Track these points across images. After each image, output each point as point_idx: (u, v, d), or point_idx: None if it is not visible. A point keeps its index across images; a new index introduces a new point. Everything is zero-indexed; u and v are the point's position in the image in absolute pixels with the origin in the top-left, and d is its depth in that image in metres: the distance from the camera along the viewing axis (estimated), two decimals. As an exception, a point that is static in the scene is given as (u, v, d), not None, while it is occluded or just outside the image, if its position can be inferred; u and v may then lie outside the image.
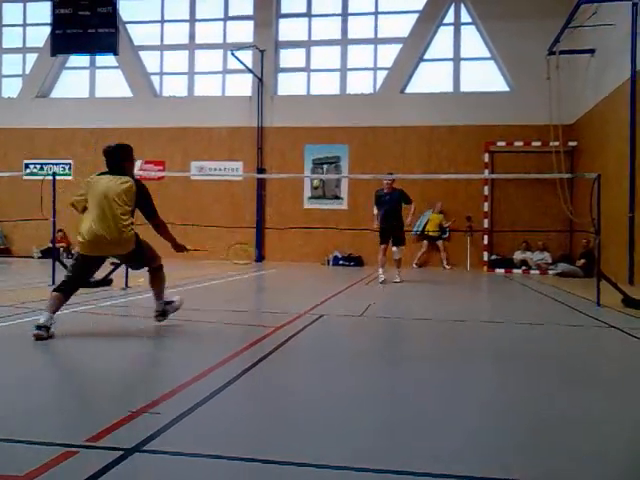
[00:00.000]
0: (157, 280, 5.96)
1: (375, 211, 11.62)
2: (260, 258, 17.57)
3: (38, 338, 4.85)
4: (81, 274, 5.42)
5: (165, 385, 3.52)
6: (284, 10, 18.43)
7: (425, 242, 16.56)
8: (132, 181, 5.45)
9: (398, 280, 11.19)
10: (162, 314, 5.82)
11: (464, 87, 17.29)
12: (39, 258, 16.64)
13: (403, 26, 17.51)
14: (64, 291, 5.28)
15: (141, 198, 5.56)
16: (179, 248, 6.14)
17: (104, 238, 5.21)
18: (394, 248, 11.30)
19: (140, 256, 5.71)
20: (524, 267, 15.38)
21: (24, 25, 19.89)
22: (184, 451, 2.55)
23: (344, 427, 2.99)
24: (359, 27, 18.06)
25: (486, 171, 15.60)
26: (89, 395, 3.42)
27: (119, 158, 5.56)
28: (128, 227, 5.38)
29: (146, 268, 5.97)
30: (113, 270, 9.32)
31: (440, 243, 16.62)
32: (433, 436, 2.86)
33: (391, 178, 11.56)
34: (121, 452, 2.48)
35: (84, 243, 5.24)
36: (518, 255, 15.83)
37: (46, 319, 4.98)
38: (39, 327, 4.90)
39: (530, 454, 2.65)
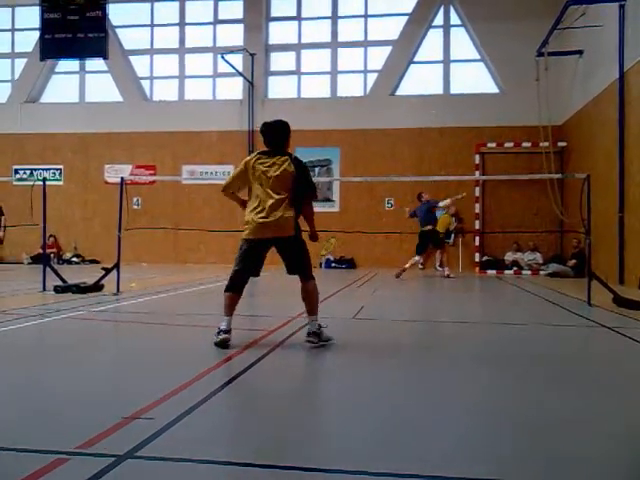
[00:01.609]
0: (310, 292, 5.18)
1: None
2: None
3: (223, 343, 4.83)
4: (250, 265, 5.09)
5: (158, 390, 3.51)
6: (274, 13, 18.45)
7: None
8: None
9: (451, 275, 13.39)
10: (316, 335, 5.01)
11: (454, 89, 17.36)
12: (29, 264, 16.55)
13: (393, 28, 17.57)
14: (234, 288, 5.07)
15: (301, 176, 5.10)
16: (316, 236, 5.37)
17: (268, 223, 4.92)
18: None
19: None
20: (515, 268, 15.45)
21: (12, 30, 19.81)
22: (177, 457, 2.53)
23: (336, 430, 2.99)
24: (349, 30, 18.11)
25: (477, 172, 15.67)
26: (81, 401, 3.40)
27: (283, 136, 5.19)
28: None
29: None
30: (104, 275, 9.29)
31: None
32: (423, 438, 2.86)
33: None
34: (113, 458, 2.47)
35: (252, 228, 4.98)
36: (509, 256, 15.90)
37: (227, 324, 4.93)
38: (224, 332, 4.87)
39: (521, 456, 2.65)
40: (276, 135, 5.15)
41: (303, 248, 5.12)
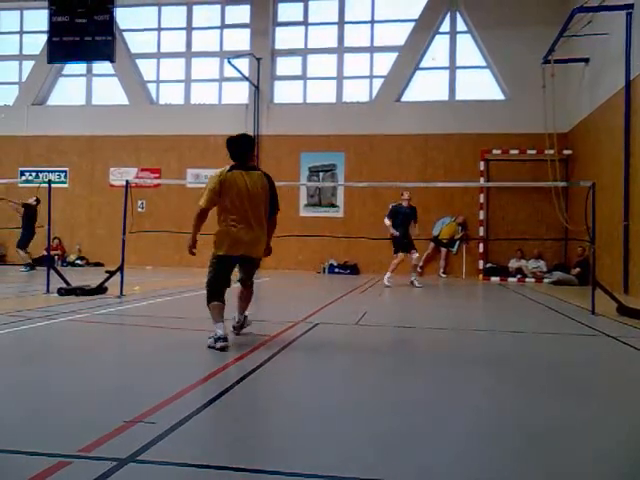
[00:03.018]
0: (250, 295, 5.88)
1: (388, 222, 12.51)
2: (256, 266, 17.55)
3: (223, 350, 4.91)
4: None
5: (160, 394, 3.50)
6: (281, 18, 18.50)
7: (432, 244, 16.54)
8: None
9: (418, 285, 12.45)
10: (242, 327, 5.85)
11: (459, 95, 17.37)
12: (24, 271, 16.54)
13: (399, 35, 17.60)
14: (217, 297, 5.29)
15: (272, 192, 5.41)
16: (270, 250, 5.73)
17: (244, 240, 5.15)
18: (415, 254, 12.54)
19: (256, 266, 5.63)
20: (519, 275, 15.41)
21: (21, 32, 19.93)
22: (179, 461, 2.53)
23: (338, 436, 2.98)
24: (355, 35, 18.15)
25: (482, 179, 15.66)
26: (83, 404, 3.40)
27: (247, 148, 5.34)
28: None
29: (238, 284, 5.80)
30: (108, 278, 9.30)
31: (444, 251, 16.63)
32: (425, 446, 2.86)
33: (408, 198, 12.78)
34: (115, 462, 2.47)
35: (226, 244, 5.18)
36: (513, 263, 15.86)
37: (223, 330, 5.03)
38: (223, 339, 4.95)
39: (523, 465, 2.64)
40: (243, 147, 5.25)
41: (258, 265, 5.64)
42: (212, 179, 5.15)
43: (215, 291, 5.29)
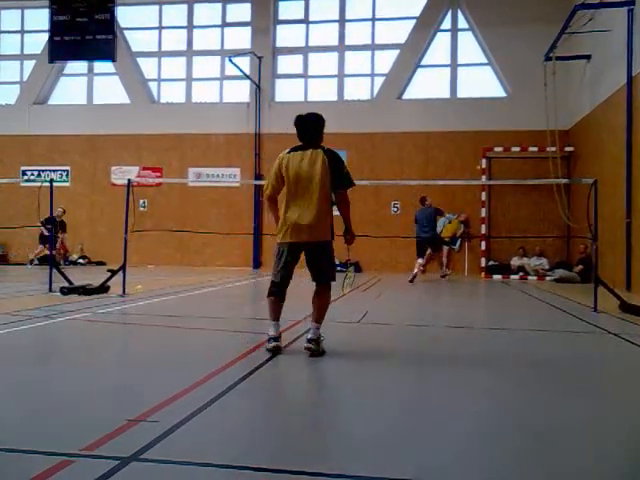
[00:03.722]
0: (323, 301, 5.00)
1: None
2: (257, 265, 17.57)
3: (275, 350, 4.73)
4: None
5: (163, 393, 3.51)
6: (281, 16, 18.49)
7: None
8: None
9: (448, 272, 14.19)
10: (317, 342, 4.78)
11: (461, 93, 17.34)
12: (36, 265, 16.60)
13: (400, 32, 17.58)
14: (276, 293, 4.95)
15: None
16: (352, 236, 5.21)
17: (302, 224, 4.74)
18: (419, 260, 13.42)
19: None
20: (521, 273, 15.39)
21: (22, 32, 19.93)
22: (182, 460, 2.54)
23: (340, 435, 2.98)
24: (356, 33, 18.13)
25: (483, 177, 15.64)
26: (86, 403, 3.41)
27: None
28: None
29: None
30: (110, 277, 9.31)
31: (446, 249, 16.62)
32: (428, 444, 2.86)
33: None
34: (118, 461, 2.47)
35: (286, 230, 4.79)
36: (515, 261, 15.84)
37: (275, 329, 4.82)
38: (274, 339, 4.76)
39: (524, 464, 2.64)
40: (309, 128, 4.88)
41: (332, 255, 5.00)
42: (274, 164, 4.92)
43: (274, 283, 4.96)
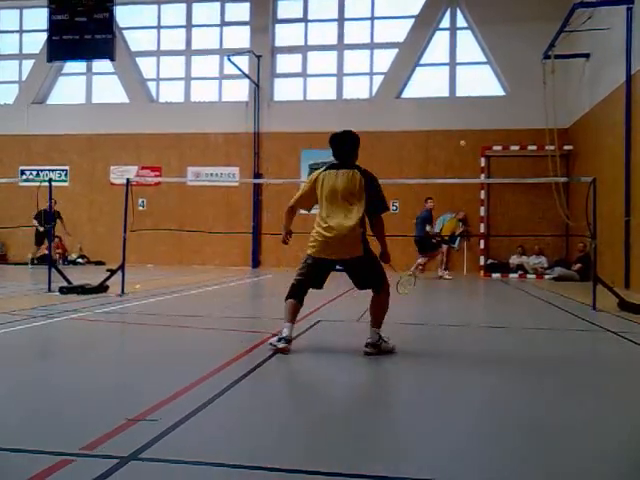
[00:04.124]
0: (380, 304, 4.95)
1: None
2: (256, 264, 17.57)
3: (282, 350, 4.72)
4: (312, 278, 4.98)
5: (162, 392, 3.51)
6: (280, 15, 18.47)
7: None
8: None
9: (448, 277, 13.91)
10: (374, 346, 4.83)
11: (460, 92, 17.34)
12: (35, 265, 16.58)
13: (399, 31, 17.58)
14: (295, 296, 4.97)
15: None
16: (387, 257, 5.02)
17: (334, 242, 4.74)
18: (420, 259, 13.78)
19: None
20: (520, 272, 15.40)
21: (20, 31, 19.91)
22: (182, 459, 2.54)
23: (339, 433, 2.99)
24: (355, 32, 18.12)
25: (482, 175, 15.64)
26: (85, 402, 3.41)
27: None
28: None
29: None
30: (109, 277, 9.31)
31: (445, 248, 16.62)
32: (427, 442, 2.86)
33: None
34: (117, 460, 2.47)
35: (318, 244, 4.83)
36: (514, 259, 15.85)
37: (289, 330, 4.81)
38: (286, 340, 4.75)
39: (526, 461, 2.65)
40: (344, 146, 4.90)
41: (374, 263, 4.88)
42: (307, 180, 5.03)
43: (295, 289, 4.99)
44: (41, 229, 14.50)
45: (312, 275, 4.98)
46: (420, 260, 13.52)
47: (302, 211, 5.24)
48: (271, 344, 4.83)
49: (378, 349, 4.82)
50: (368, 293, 5.03)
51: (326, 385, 4.03)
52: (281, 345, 4.77)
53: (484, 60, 17.22)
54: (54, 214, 13.82)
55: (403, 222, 16.58)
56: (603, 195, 10.03)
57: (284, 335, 4.80)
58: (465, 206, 16.52)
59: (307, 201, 5.04)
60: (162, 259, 17.82)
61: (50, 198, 9.55)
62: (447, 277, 13.44)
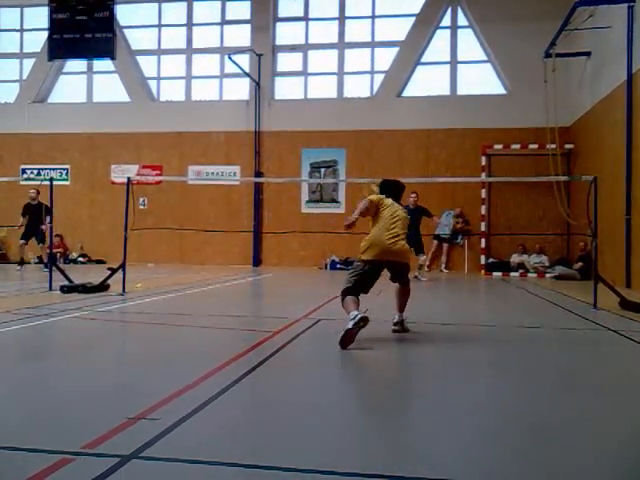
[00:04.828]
0: (405, 293, 6.11)
1: None
2: (257, 263, 17.57)
3: (364, 320, 5.08)
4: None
5: (163, 391, 3.51)
6: (281, 14, 18.46)
7: (435, 242, 16.51)
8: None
9: (422, 279, 12.85)
10: (401, 324, 6.04)
11: (461, 90, 17.32)
12: (36, 264, 16.61)
13: (400, 30, 17.55)
14: (352, 293, 5.54)
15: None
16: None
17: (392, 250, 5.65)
18: (421, 257, 12.89)
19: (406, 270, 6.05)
20: (521, 270, 15.40)
21: (21, 30, 19.90)
22: (183, 457, 2.54)
23: (339, 432, 2.99)
24: (356, 31, 18.09)
25: (483, 174, 15.63)
26: (86, 401, 3.41)
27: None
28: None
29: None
30: (110, 275, 9.31)
31: (446, 246, 16.62)
32: (428, 441, 2.86)
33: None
34: (118, 459, 2.47)
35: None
36: (515, 258, 15.84)
37: (358, 311, 5.19)
38: (360, 316, 5.09)
39: (527, 459, 2.65)
40: (399, 191, 6.21)
41: (409, 268, 6.05)
42: (374, 196, 5.96)
43: (349, 289, 5.55)
44: (18, 225, 14.33)
45: (367, 280, 5.72)
46: (424, 257, 13.25)
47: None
48: (349, 329, 5.01)
49: (402, 327, 5.99)
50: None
51: (326, 384, 4.03)
52: (359, 317, 5.04)
53: (485, 59, 17.19)
54: (41, 207, 13.66)
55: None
56: (604, 194, 10.02)
57: (356, 314, 5.09)
58: (466, 205, 16.51)
59: (369, 212, 5.88)
60: (163, 258, 17.82)
61: (51, 197, 9.55)
62: (422, 279, 12.73)
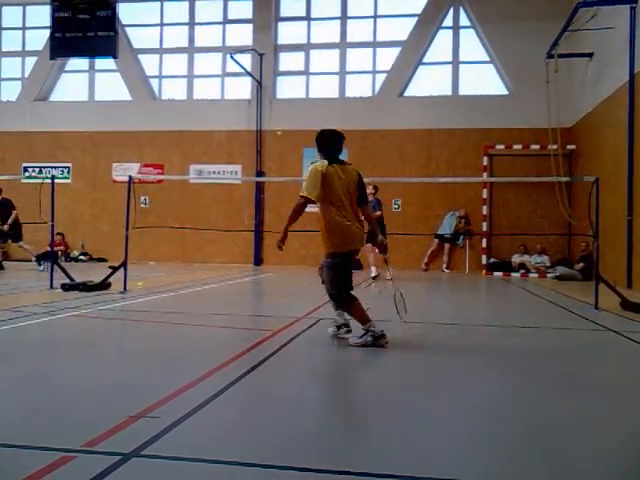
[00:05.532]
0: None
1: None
2: (258, 262, 17.57)
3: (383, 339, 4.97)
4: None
5: (164, 389, 3.52)
6: (283, 13, 18.45)
7: (436, 241, 16.50)
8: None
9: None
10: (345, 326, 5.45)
11: (463, 90, 17.31)
12: (34, 262, 16.58)
13: (402, 29, 17.53)
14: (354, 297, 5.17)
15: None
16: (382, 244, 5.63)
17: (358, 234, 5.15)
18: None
19: None
20: (522, 270, 15.39)
21: (23, 28, 19.90)
22: (183, 455, 2.54)
23: (340, 430, 2.99)
24: (358, 30, 18.08)
25: (485, 174, 15.62)
26: (87, 399, 3.42)
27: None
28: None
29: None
30: (111, 274, 9.32)
31: (447, 246, 16.61)
32: (427, 440, 2.86)
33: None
34: (119, 457, 2.48)
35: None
36: (516, 258, 15.83)
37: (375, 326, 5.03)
38: (383, 334, 4.99)
39: (526, 459, 2.65)
40: (340, 141, 5.25)
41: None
42: (315, 172, 5.02)
43: (346, 297, 5.15)
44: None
45: (350, 273, 5.23)
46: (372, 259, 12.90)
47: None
48: (365, 344, 4.98)
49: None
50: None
51: (327, 383, 4.03)
52: (384, 342, 4.97)
53: (487, 59, 17.18)
54: (6, 203, 13.54)
55: (405, 221, 16.60)
56: (606, 194, 10.01)
57: (379, 331, 5.01)
58: (467, 205, 16.50)
59: (321, 195, 5.05)
60: (164, 256, 17.83)
61: (52, 195, 9.55)
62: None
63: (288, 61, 18.48)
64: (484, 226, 15.94)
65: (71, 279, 9.37)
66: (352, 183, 5.13)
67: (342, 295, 5.15)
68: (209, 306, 8.17)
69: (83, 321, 6.34)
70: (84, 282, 9.17)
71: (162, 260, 17.66)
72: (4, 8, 20.07)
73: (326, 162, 5.09)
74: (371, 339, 4.97)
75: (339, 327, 5.37)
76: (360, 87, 18.00)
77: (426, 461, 2.57)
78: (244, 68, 17.45)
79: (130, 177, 9.64)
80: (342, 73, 18.09)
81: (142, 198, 17.64)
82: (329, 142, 5.20)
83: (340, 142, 5.22)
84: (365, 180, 5.50)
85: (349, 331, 5.30)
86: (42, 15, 19.26)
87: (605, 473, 2.53)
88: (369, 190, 12.18)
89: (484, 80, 17.11)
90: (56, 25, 18.76)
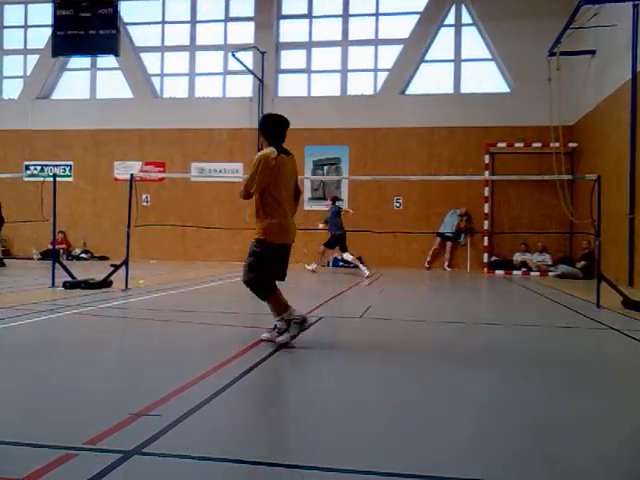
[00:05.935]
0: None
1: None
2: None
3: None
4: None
5: (165, 387, 3.52)
6: (285, 11, 18.44)
7: (438, 239, 16.50)
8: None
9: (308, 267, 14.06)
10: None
11: (464, 88, 17.29)
12: (39, 260, 16.64)
13: (404, 27, 17.51)
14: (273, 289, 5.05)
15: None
16: None
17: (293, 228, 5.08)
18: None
19: None
20: (524, 269, 15.37)
21: (25, 27, 19.90)
22: (184, 454, 2.55)
23: (342, 430, 2.99)
24: (360, 28, 18.06)
25: (486, 172, 15.61)
26: (88, 397, 3.42)
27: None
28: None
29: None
30: (113, 272, 9.33)
31: (449, 244, 16.59)
32: (431, 440, 2.86)
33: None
34: (121, 454, 2.48)
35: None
36: (518, 257, 15.82)
37: (295, 313, 5.00)
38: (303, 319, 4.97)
39: (529, 458, 2.65)
40: (286, 127, 4.99)
41: None
42: (265, 162, 4.74)
43: (271, 283, 5.04)
44: None
45: (279, 265, 5.13)
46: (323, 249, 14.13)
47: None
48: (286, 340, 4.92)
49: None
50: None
51: (328, 382, 4.03)
52: (307, 325, 4.97)
53: (489, 57, 17.15)
54: None
55: (406, 219, 16.60)
56: (607, 192, 9.99)
57: (298, 315, 4.96)
58: (469, 203, 16.49)
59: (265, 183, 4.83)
60: (165, 254, 17.84)
61: (54, 193, 9.56)
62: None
63: (290, 59, 18.47)
64: (485, 224, 15.93)
65: (72, 277, 9.38)
66: (293, 177, 5.05)
67: (261, 287, 5.06)
68: (210, 304, 8.17)
69: (84, 319, 6.34)
70: (85, 280, 9.18)
71: (163, 258, 17.67)
72: (6, 6, 20.08)
73: (275, 150, 4.82)
74: (298, 328, 4.91)
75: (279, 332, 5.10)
76: (362, 85, 17.98)
77: (427, 460, 2.58)
78: (246, 66, 17.44)
79: (132, 175, 9.65)
80: (344, 71, 18.07)
81: (143, 196, 17.64)
82: (276, 129, 4.91)
83: (286, 129, 4.94)
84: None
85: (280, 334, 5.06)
86: (44, 13, 19.26)
87: (605, 473, 2.53)
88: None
89: (486, 78, 17.09)
90: (58, 23, 18.76)
